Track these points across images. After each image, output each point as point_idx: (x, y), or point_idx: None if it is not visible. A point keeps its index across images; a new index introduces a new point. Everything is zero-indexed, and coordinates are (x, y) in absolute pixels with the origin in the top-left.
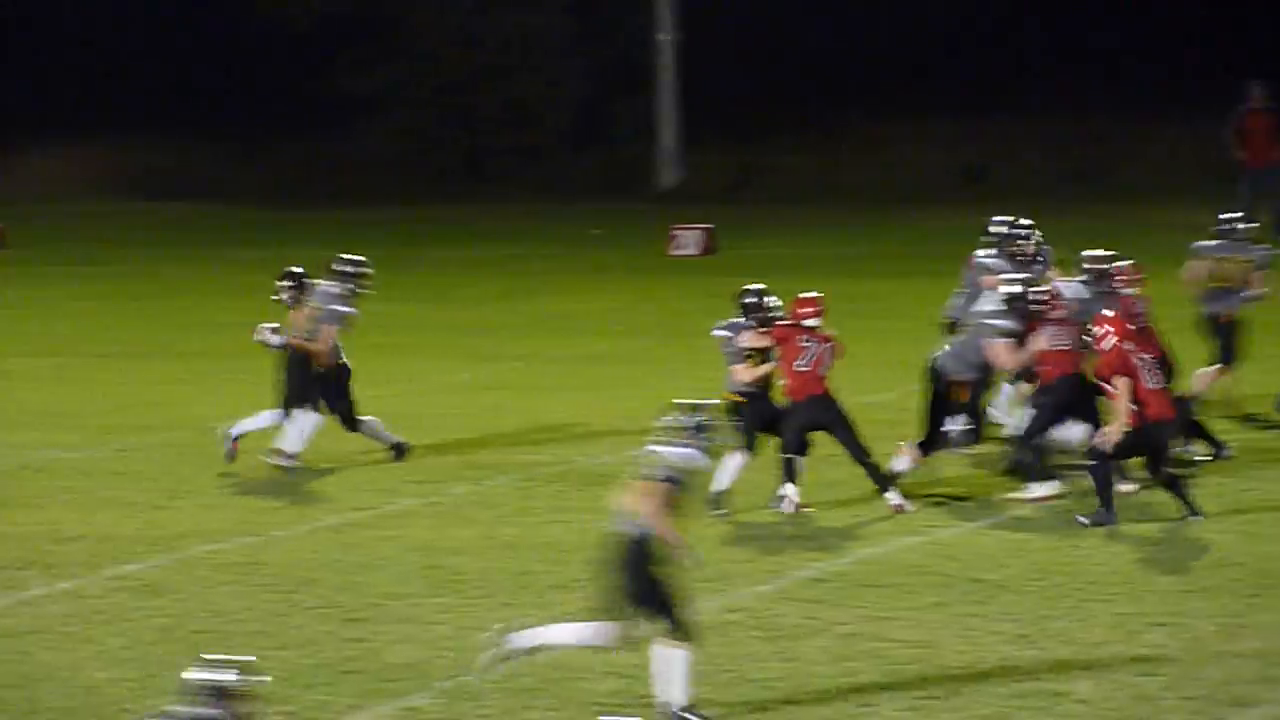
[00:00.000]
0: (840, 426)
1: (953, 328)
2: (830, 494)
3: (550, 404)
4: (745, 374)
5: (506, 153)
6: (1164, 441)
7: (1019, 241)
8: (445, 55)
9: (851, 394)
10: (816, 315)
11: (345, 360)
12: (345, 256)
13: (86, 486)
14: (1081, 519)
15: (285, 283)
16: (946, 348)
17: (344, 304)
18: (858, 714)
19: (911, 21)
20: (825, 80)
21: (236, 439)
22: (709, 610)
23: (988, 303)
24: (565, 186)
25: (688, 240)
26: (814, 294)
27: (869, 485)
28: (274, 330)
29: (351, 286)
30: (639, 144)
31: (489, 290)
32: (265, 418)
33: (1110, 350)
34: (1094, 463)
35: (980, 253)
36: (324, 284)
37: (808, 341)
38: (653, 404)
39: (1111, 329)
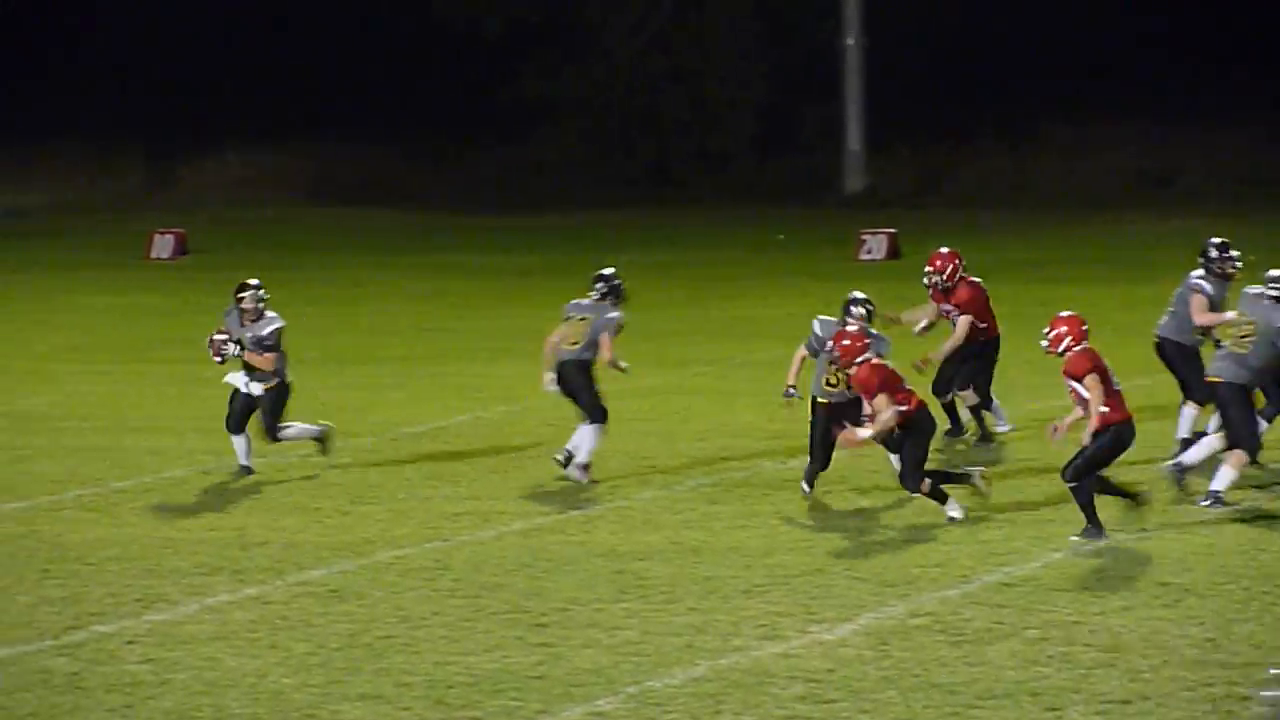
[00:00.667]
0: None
1: (1160, 348)
2: (1011, 498)
3: (737, 409)
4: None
5: (694, 158)
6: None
7: (1228, 264)
8: (632, 60)
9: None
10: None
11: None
12: None
13: (274, 492)
14: (1073, 538)
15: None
16: (1216, 360)
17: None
18: (1045, 718)
19: (1097, 25)
20: (1011, 84)
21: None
22: (895, 615)
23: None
24: (752, 191)
25: (874, 245)
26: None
27: (1049, 490)
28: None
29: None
30: (825, 149)
31: (676, 295)
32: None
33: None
34: (1075, 484)
35: (1194, 274)
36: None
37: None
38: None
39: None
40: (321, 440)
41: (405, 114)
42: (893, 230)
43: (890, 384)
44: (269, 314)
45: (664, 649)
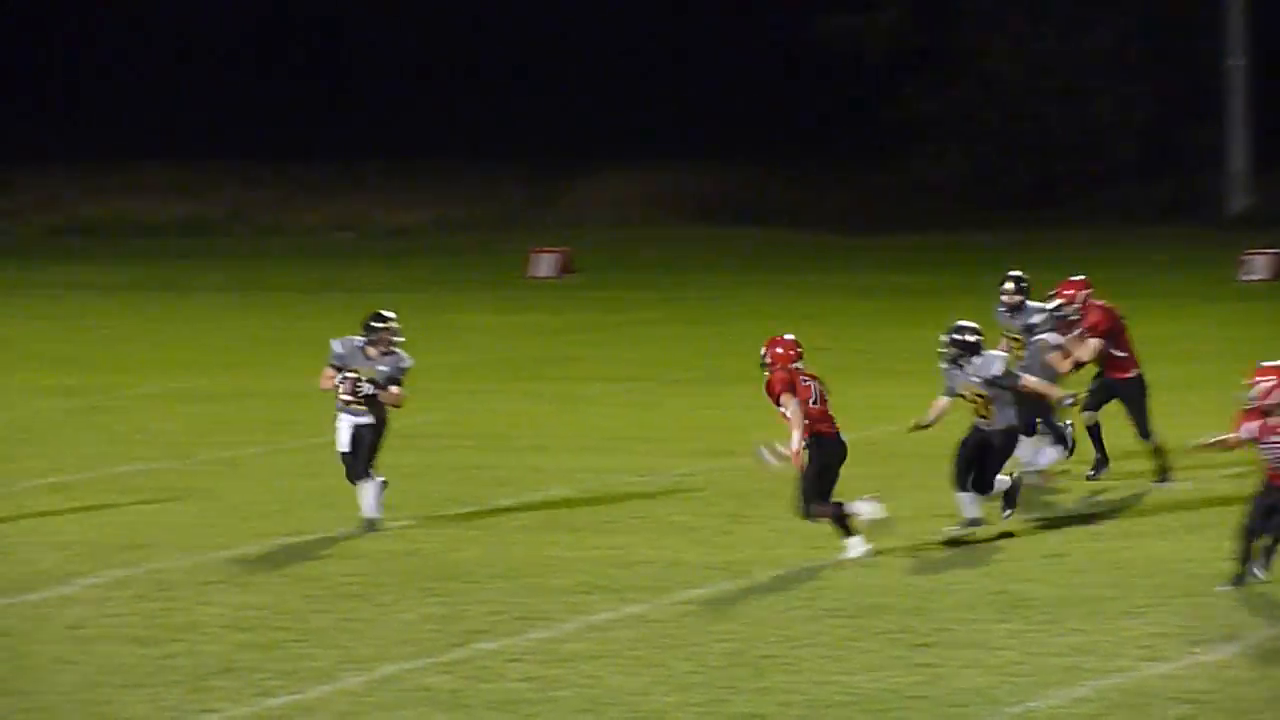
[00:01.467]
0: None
1: None
2: None
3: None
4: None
5: (1075, 177)
6: None
7: None
8: (1014, 80)
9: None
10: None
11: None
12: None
13: (654, 511)
14: None
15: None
16: None
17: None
18: None
19: None
20: None
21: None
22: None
23: None
24: (1133, 211)
25: (1258, 265)
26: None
27: None
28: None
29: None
30: (1208, 168)
31: None
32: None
33: None
34: None
35: None
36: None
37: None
38: (1199, 429)
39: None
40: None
41: (783, 134)
42: (1277, 251)
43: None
44: (398, 351)
45: (1046, 669)
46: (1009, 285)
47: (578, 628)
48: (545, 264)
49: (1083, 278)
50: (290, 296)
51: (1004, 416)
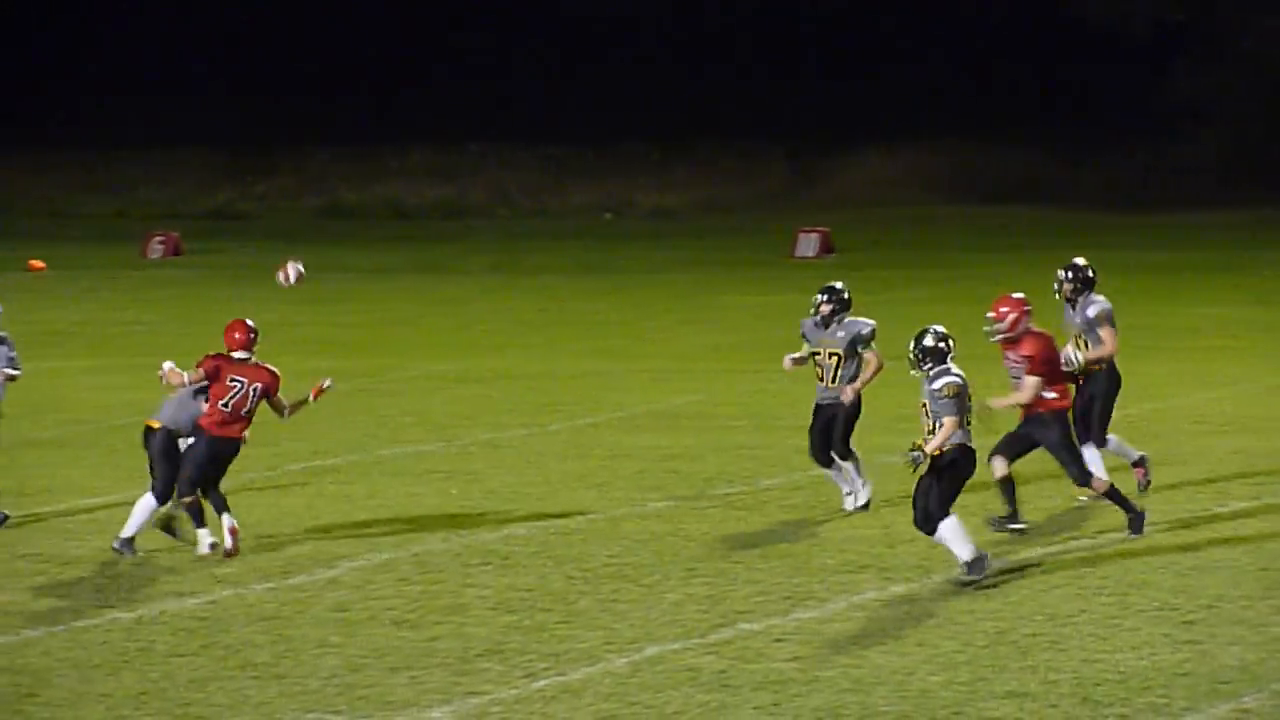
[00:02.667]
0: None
1: None
2: None
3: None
4: None
5: None
6: None
7: None
8: (1278, 59)
9: None
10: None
11: None
12: None
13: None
14: None
15: None
16: None
17: None
18: None
19: None
20: None
21: None
22: None
23: None
24: None
25: None
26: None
27: None
28: None
29: None
30: None
31: None
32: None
33: None
34: None
35: None
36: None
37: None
38: None
39: None
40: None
41: (1046, 113)
42: None
43: None
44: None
45: None
46: (1062, 274)
47: (843, 607)
48: (808, 244)
49: (1020, 296)
50: (553, 279)
51: None
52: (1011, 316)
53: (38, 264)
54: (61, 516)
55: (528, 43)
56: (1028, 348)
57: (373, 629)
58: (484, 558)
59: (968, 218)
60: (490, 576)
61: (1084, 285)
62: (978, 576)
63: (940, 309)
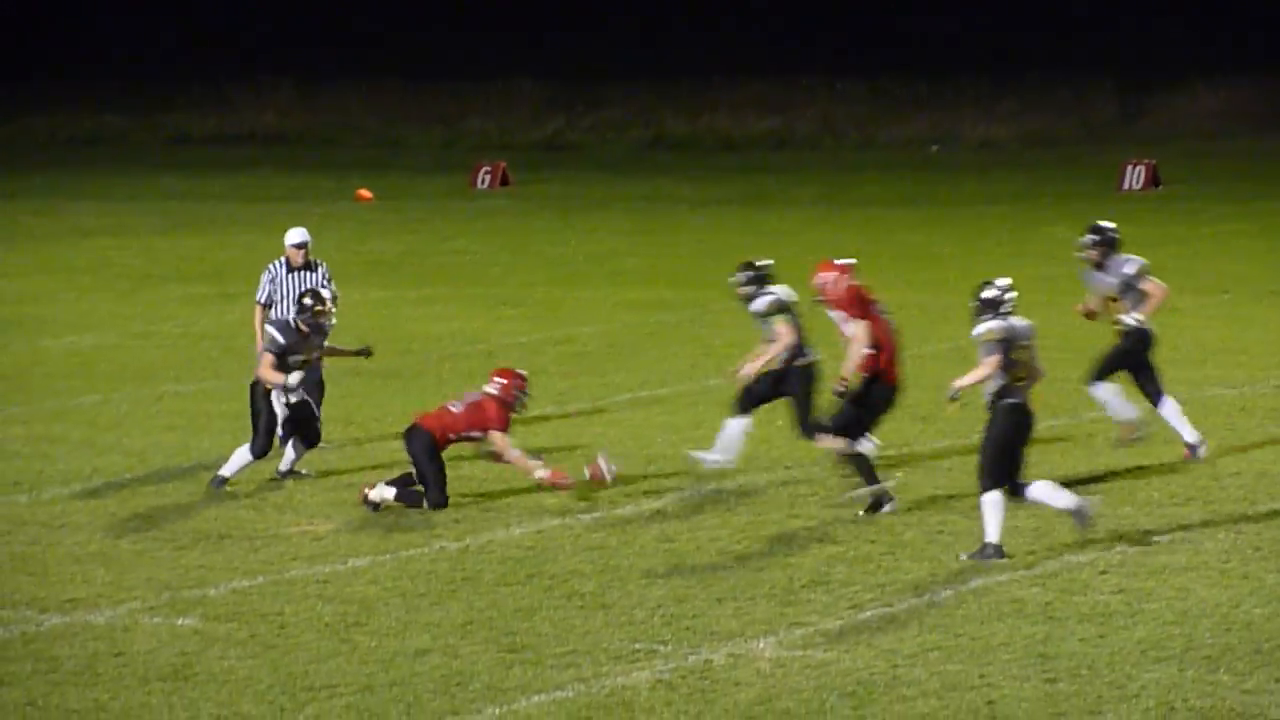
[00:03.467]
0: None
1: None
2: None
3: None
4: None
5: None
6: None
7: None
8: None
9: None
10: None
11: None
12: None
13: (1243, 424)
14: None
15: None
16: None
17: None
18: None
19: None
20: None
21: None
22: None
23: None
24: None
25: None
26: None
27: None
28: None
29: None
30: None
31: None
32: None
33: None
34: None
35: None
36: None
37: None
38: None
39: None
40: None
41: None
42: None
43: None
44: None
45: None
46: (1087, 238)
47: (1169, 540)
48: (1135, 177)
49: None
50: (879, 211)
51: None
52: None
53: (366, 194)
54: (389, 445)
55: None
56: None
57: (698, 559)
58: (810, 489)
59: None
60: (815, 508)
61: (1110, 248)
62: (992, 558)
63: (1266, 243)
